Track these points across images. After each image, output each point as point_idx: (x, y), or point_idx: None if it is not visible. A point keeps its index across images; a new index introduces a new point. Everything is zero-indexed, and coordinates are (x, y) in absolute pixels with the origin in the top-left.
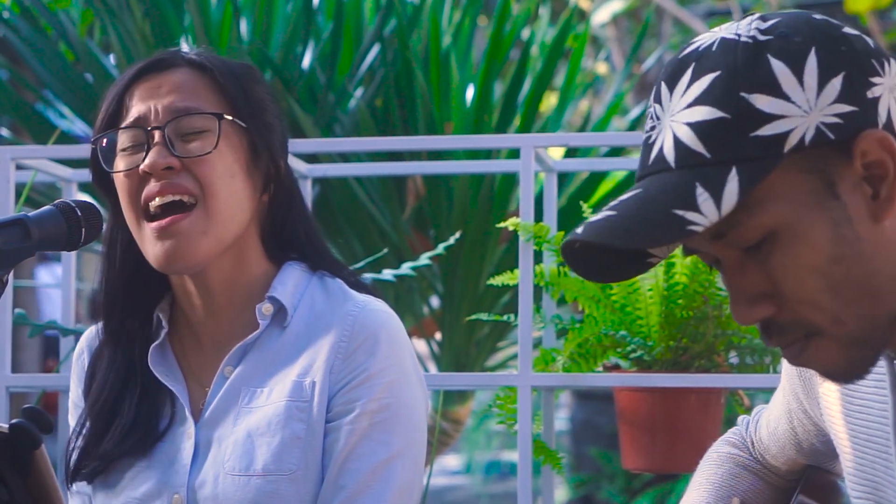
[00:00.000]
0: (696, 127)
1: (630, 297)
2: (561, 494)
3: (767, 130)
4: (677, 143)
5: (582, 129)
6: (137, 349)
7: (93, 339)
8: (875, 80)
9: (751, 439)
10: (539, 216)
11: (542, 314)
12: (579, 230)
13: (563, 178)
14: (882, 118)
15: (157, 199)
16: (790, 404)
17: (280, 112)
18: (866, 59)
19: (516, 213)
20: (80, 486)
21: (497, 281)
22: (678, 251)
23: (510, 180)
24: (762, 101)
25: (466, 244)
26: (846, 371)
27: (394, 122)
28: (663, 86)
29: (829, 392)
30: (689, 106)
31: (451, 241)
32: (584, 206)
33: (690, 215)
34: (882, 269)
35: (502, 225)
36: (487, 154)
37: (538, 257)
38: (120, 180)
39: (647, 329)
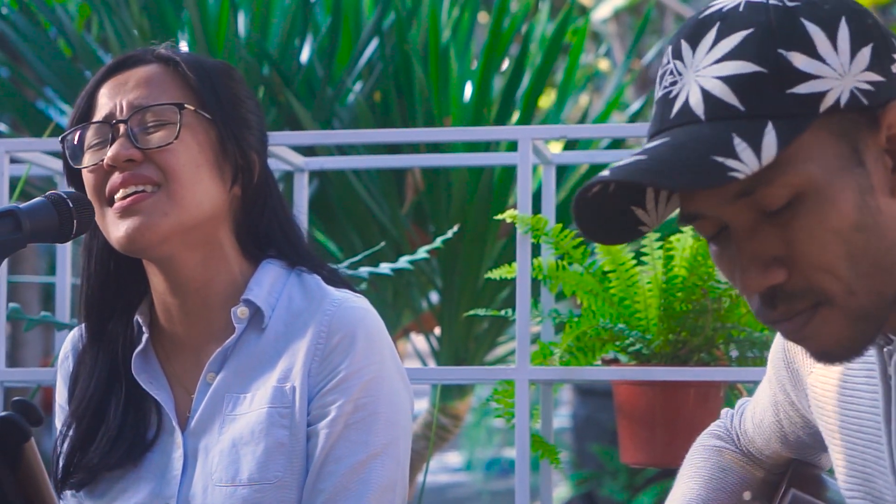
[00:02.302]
0: (729, 80)
1: (629, 291)
2: (563, 491)
3: (804, 88)
4: (707, 96)
5: (581, 122)
6: (121, 353)
7: (77, 341)
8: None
9: (735, 432)
10: (538, 209)
11: (540, 308)
12: (606, 172)
13: (563, 171)
14: None
15: (120, 190)
16: (776, 396)
17: (259, 111)
18: (888, 35)
19: (515, 207)
20: (68, 496)
21: (495, 274)
22: (677, 244)
23: (509, 173)
24: (799, 60)
25: (465, 238)
26: (846, 347)
27: (392, 117)
28: (683, 43)
29: (818, 383)
30: (720, 61)
31: (450, 234)
32: None
33: (731, 162)
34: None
35: (500, 217)
36: (486, 147)
37: (536, 251)
38: (86, 175)
39: (645, 322)
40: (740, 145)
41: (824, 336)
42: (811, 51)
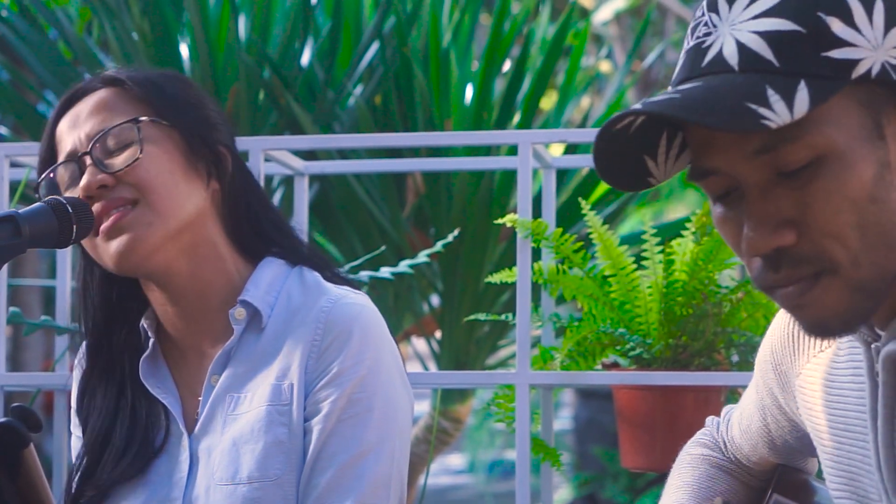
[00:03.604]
0: (766, 35)
1: (629, 295)
2: (564, 493)
3: (839, 54)
4: (742, 48)
5: (582, 126)
6: (128, 362)
7: (85, 369)
8: None
9: (723, 440)
10: (538, 213)
11: (541, 312)
12: (638, 105)
13: (563, 175)
14: None
15: (103, 218)
16: (763, 400)
17: (219, 110)
18: None
19: (516, 211)
20: None
21: (495, 278)
22: (678, 249)
23: (510, 177)
24: (837, 25)
25: (466, 242)
26: (842, 318)
27: (393, 120)
28: None
29: (807, 383)
30: (758, 17)
31: (450, 238)
32: (584, 204)
33: (763, 111)
34: None
35: (500, 221)
36: (487, 151)
37: (537, 254)
38: None
39: (646, 327)
40: (773, 97)
41: (823, 305)
42: (849, 19)
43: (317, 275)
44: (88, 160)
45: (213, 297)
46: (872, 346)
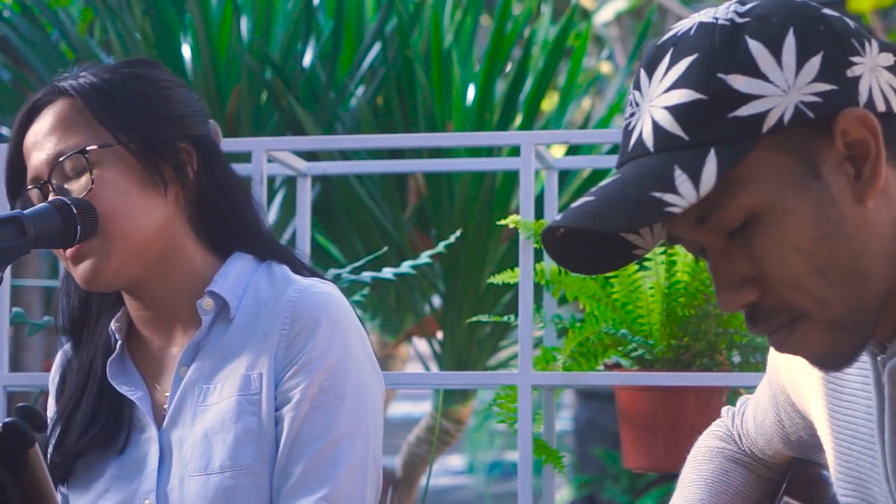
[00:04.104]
0: (673, 110)
1: (631, 296)
2: (565, 494)
3: (745, 111)
4: (656, 127)
5: (583, 127)
6: (100, 360)
7: (64, 358)
8: (855, 59)
9: (738, 432)
10: (540, 214)
11: (543, 313)
12: (558, 217)
13: (566, 176)
14: (863, 97)
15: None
16: (777, 397)
17: (180, 93)
18: (846, 38)
19: (518, 212)
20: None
21: (497, 279)
22: (680, 249)
23: (512, 178)
24: (739, 82)
25: (468, 242)
26: (833, 357)
27: (395, 121)
28: (642, 72)
29: (816, 388)
30: (668, 90)
31: (452, 239)
32: None
33: (668, 197)
34: (868, 249)
35: (503, 222)
36: (489, 152)
37: (539, 255)
38: None
39: (648, 327)
40: (680, 177)
41: (808, 348)
42: (753, 70)
43: (285, 267)
44: (48, 188)
45: (183, 295)
46: (879, 358)
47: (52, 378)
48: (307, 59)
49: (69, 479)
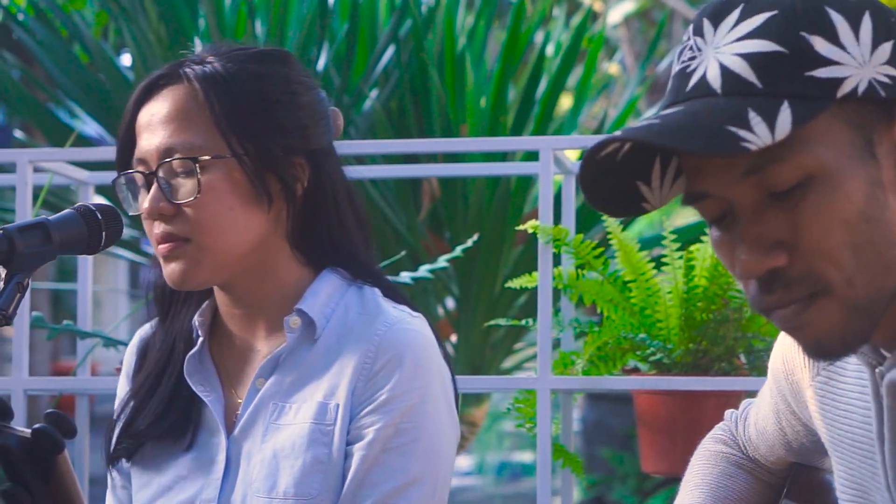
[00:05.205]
0: (749, 57)
1: (649, 300)
2: (573, 495)
3: (823, 73)
4: (726, 71)
5: (598, 131)
6: (181, 350)
7: (144, 337)
8: None
9: (741, 438)
10: (556, 218)
11: (561, 317)
12: (619, 132)
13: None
14: None
15: (159, 239)
16: (778, 405)
17: (305, 96)
18: None
19: (532, 215)
20: (120, 467)
21: (515, 284)
22: (698, 254)
23: (526, 182)
24: (821, 45)
25: (482, 246)
26: (839, 339)
27: (409, 124)
28: (706, 21)
29: (816, 396)
30: (741, 39)
31: (469, 243)
32: None
33: (744, 133)
34: None
35: (522, 227)
36: (503, 156)
37: (556, 260)
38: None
39: (666, 332)
40: (755, 119)
41: (819, 326)
42: (833, 37)
43: (376, 291)
44: (153, 179)
45: (272, 303)
46: (877, 369)
47: (128, 357)
48: (321, 63)
49: (133, 458)
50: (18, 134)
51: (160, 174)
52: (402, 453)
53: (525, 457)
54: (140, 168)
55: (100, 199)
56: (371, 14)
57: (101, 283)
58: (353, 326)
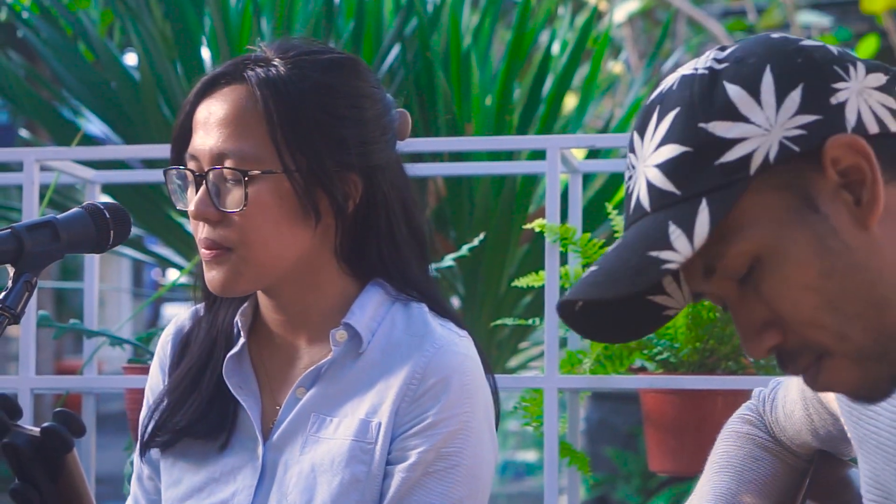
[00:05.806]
0: (663, 167)
1: None
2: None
3: (731, 156)
4: (650, 186)
5: (604, 130)
6: (222, 347)
7: (182, 326)
8: (839, 85)
9: (768, 419)
10: (563, 217)
11: None
12: (568, 292)
13: (585, 178)
14: (851, 122)
15: (203, 243)
16: (805, 392)
17: (358, 111)
18: (827, 66)
19: (537, 215)
20: (150, 458)
21: (522, 283)
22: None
23: (531, 181)
24: (720, 128)
25: (488, 245)
26: (867, 389)
27: (415, 123)
28: (635, 135)
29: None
30: (657, 148)
31: (476, 242)
32: (609, 207)
33: (665, 254)
34: (882, 276)
35: (529, 226)
36: (509, 155)
37: (563, 258)
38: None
39: (673, 331)
40: (675, 233)
41: (841, 383)
42: (733, 114)
43: (423, 308)
44: (203, 181)
45: (317, 314)
46: None
47: (163, 347)
48: None
49: (164, 450)
50: (23, 132)
51: (210, 178)
52: (442, 478)
53: (529, 456)
54: (191, 165)
55: (106, 198)
56: (376, 13)
57: (104, 282)
58: (398, 344)
